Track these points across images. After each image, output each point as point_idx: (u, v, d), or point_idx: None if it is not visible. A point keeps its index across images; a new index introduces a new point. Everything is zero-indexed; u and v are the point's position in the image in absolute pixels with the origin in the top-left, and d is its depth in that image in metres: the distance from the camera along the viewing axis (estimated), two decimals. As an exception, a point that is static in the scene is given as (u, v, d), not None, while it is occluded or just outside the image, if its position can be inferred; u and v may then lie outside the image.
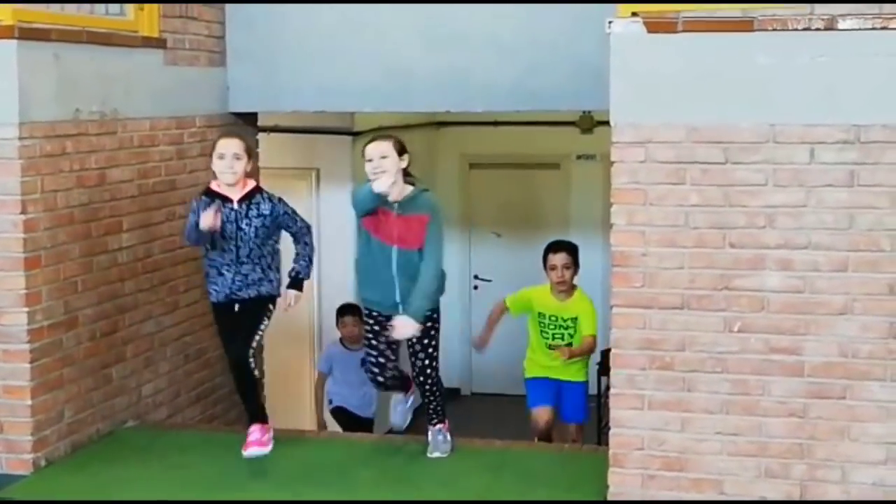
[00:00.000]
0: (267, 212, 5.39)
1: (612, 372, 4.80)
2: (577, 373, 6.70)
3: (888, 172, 4.42)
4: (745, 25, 4.50)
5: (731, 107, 4.55)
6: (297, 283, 5.59)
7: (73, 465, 5.39)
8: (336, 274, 9.03)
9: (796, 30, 4.44)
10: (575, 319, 6.54)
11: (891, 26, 4.35)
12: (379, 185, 5.08)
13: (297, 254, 5.60)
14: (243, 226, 5.35)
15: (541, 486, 5.18)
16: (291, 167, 8.93)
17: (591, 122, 10.65)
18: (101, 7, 5.88)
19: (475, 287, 11.50)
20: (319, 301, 9.14)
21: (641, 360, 4.70)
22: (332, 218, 9.07)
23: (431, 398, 5.52)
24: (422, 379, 5.48)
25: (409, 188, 5.25)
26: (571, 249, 6.67)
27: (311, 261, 5.61)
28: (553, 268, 6.60)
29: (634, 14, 4.61)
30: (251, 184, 5.45)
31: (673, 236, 4.64)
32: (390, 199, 5.16)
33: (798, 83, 4.48)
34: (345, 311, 7.95)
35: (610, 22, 4.61)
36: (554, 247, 6.70)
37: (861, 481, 4.56)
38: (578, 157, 11.23)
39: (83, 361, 5.55)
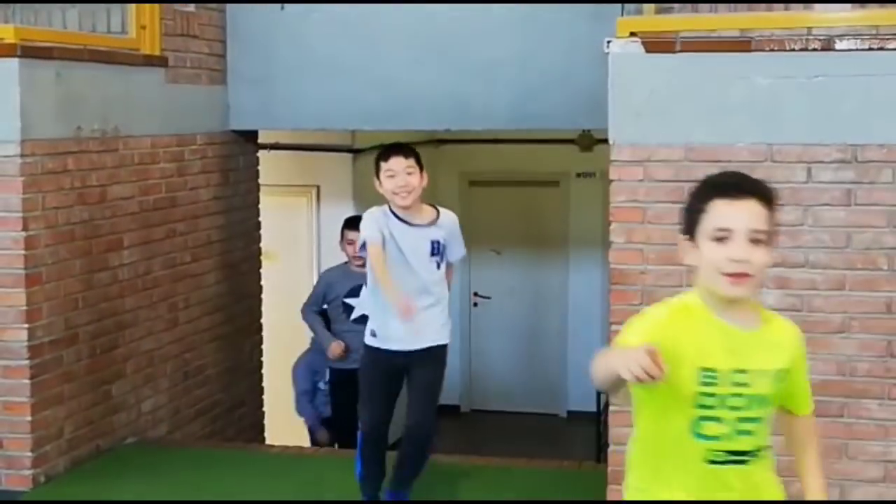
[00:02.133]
0: None
1: (610, 390, 4.81)
2: None
3: (885, 192, 4.44)
4: (743, 46, 4.53)
5: (729, 126, 4.57)
6: None
7: (73, 481, 5.39)
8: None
9: (794, 50, 4.47)
10: (784, 373, 2.79)
11: (887, 47, 4.38)
12: None
13: None
14: None
15: (540, 504, 5.19)
16: (292, 184, 8.94)
17: (590, 140, 10.66)
18: (102, 25, 5.92)
19: (475, 304, 11.50)
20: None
21: (640, 378, 4.71)
22: (332, 235, 9.06)
23: None
24: None
25: None
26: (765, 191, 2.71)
27: None
28: (727, 233, 2.65)
29: (633, 34, 4.64)
30: None
31: (671, 254, 4.64)
32: None
33: (795, 103, 4.51)
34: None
35: (608, 42, 4.64)
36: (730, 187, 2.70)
37: (859, 499, 4.57)
38: (578, 175, 11.24)
39: (83, 378, 5.56)
